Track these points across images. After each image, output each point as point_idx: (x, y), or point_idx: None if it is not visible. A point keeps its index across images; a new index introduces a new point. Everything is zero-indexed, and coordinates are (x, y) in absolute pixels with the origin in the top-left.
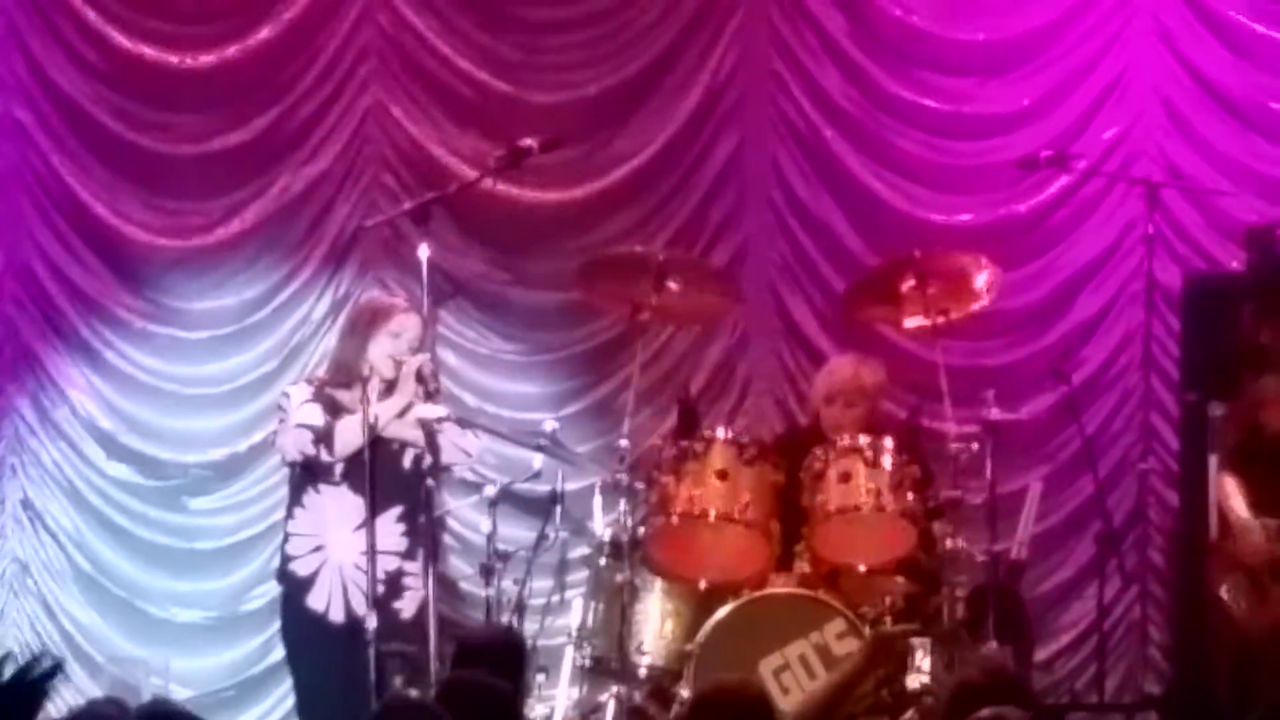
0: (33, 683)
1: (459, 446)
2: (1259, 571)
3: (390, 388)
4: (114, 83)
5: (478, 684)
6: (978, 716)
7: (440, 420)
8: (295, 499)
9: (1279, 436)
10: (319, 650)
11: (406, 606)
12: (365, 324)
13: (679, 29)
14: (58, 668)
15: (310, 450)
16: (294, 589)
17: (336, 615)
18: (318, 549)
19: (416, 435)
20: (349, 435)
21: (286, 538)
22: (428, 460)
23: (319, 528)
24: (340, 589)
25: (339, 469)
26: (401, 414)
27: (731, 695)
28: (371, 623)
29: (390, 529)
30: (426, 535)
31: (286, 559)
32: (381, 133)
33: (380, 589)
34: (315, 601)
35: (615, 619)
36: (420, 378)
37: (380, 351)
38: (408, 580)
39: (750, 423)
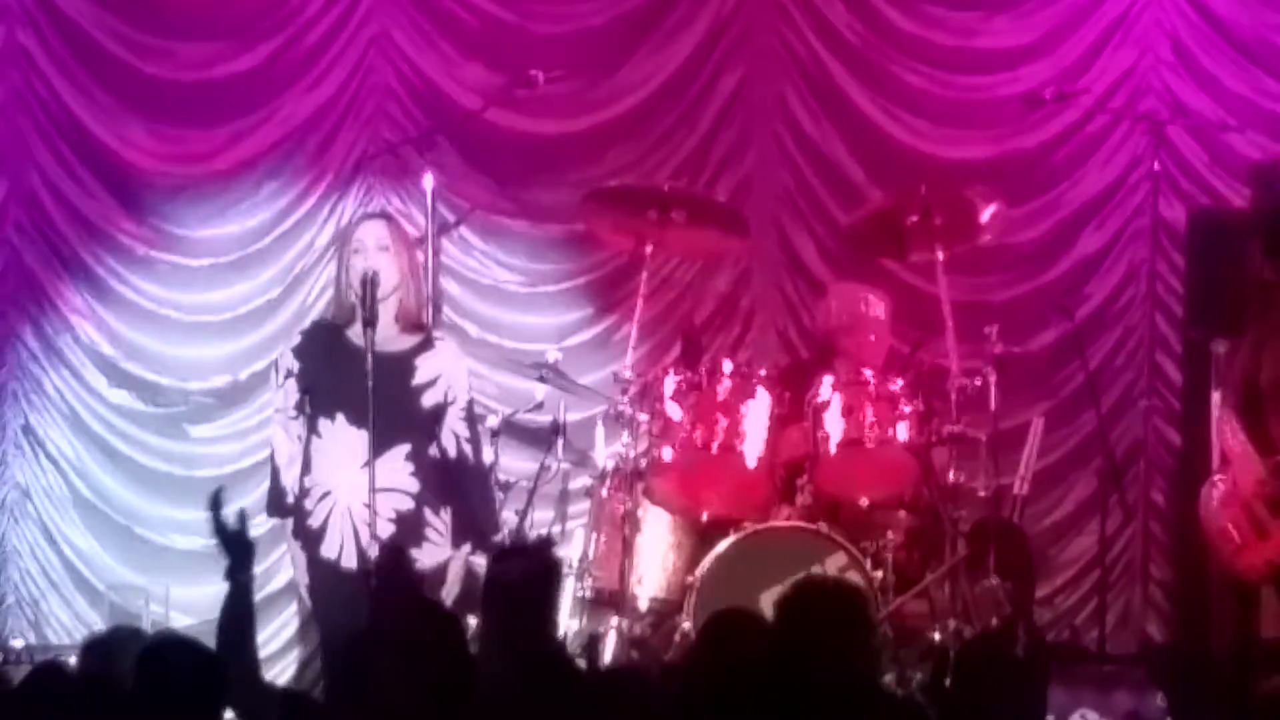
0: None
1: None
2: (1258, 507)
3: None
4: (117, 8)
5: None
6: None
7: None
8: (304, 447)
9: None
10: (338, 596)
11: (424, 557)
12: (337, 255)
13: None
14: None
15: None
16: (307, 542)
17: (349, 561)
18: (325, 495)
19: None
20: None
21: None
22: (452, 396)
23: (325, 473)
24: (351, 533)
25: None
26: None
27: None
28: (374, 553)
29: (398, 467)
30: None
31: (302, 514)
32: (386, 61)
33: (391, 529)
34: (328, 551)
35: (617, 550)
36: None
37: (356, 277)
38: (429, 532)
39: (753, 355)
